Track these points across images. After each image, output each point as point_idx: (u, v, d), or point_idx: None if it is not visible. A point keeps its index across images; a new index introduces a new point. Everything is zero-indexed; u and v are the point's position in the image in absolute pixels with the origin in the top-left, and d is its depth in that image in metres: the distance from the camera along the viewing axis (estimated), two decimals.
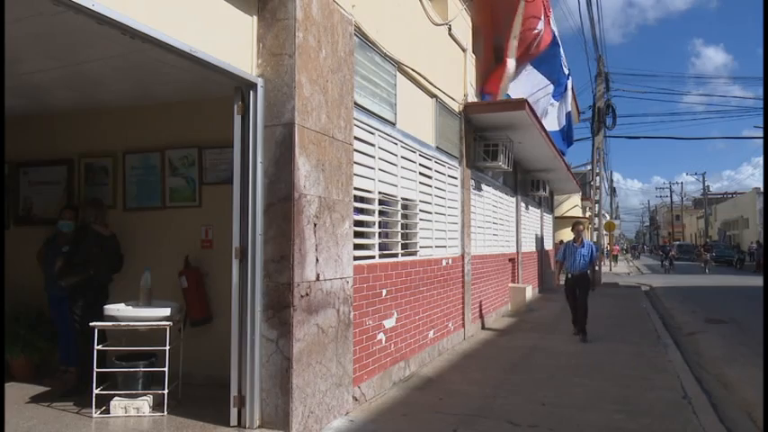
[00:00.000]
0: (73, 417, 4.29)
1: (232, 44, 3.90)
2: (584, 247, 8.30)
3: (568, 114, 12.71)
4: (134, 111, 5.61)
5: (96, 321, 4.44)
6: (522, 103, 8.22)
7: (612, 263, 33.13)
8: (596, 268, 19.94)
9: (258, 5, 4.12)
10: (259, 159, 4.02)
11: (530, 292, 11.75)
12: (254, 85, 4.03)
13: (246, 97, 4.05)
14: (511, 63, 9.07)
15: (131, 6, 3.07)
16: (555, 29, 10.76)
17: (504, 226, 11.22)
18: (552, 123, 12.12)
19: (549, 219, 18.57)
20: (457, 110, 8.03)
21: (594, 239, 21.23)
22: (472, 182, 8.71)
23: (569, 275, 8.41)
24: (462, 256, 8.03)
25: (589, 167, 22.99)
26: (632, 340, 8.14)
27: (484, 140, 8.89)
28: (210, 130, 5.21)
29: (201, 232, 5.36)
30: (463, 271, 8.04)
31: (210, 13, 3.72)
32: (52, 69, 4.54)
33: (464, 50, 8.42)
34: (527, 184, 13.97)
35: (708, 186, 60.81)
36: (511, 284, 11.61)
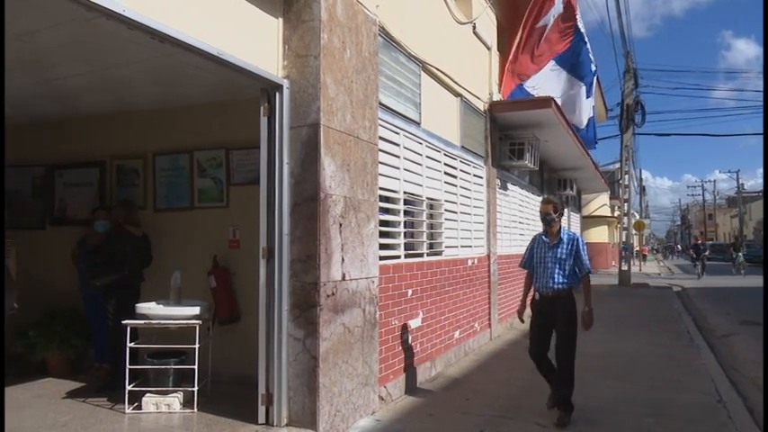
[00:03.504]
0: (107, 412, 4.40)
1: (258, 46, 3.94)
2: (561, 244, 4.49)
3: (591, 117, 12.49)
4: (163, 113, 5.72)
5: (128, 319, 4.55)
6: (548, 101, 8.12)
7: (642, 262, 32.50)
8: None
9: (283, 8, 4.16)
10: (285, 160, 4.06)
11: None
12: (279, 87, 4.07)
13: (272, 98, 4.09)
14: (521, 57, 8.97)
15: (160, 11, 3.13)
16: (581, 25, 10.60)
17: (530, 225, 11.09)
18: (581, 122, 11.93)
19: (576, 218, 18.32)
20: (482, 109, 7.98)
21: (623, 240, 20.79)
22: (498, 181, 8.64)
23: (536, 296, 4.63)
24: (488, 255, 7.97)
25: (617, 166, 22.56)
26: (663, 342, 7.96)
27: (510, 139, 8.80)
28: (237, 132, 5.29)
29: (229, 232, 5.43)
30: (489, 271, 7.97)
31: (237, 16, 3.77)
32: (85, 74, 4.66)
33: (489, 49, 8.36)
34: (554, 182, 13.79)
35: (742, 184, 59.04)
36: None
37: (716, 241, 55.92)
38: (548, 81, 10.02)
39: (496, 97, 8.47)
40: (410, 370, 5.39)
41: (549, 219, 4.52)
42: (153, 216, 5.75)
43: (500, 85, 8.84)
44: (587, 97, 11.69)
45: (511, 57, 8.97)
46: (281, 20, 4.15)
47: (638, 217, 31.91)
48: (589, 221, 27.07)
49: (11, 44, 3.76)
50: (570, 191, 14.22)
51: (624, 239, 20.77)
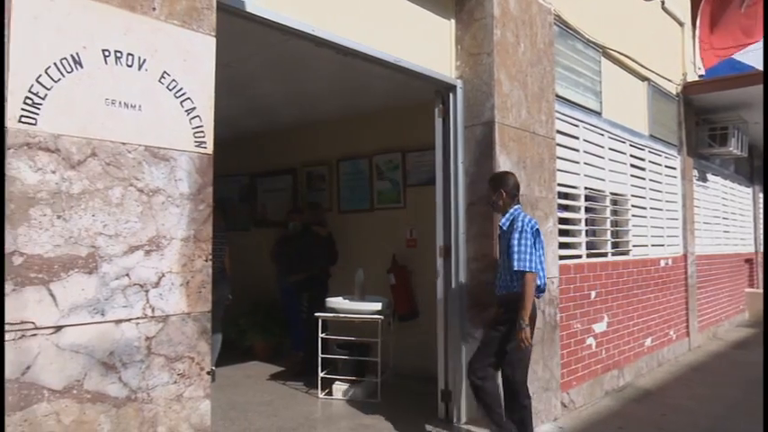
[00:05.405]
0: (303, 395, 4.87)
1: (432, 50, 4.03)
2: (503, 233, 3.43)
3: None
4: (344, 121, 6.15)
5: (319, 312, 4.96)
6: (758, 76, 6.98)
7: None
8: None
9: (455, 9, 4.19)
10: (460, 159, 4.09)
11: None
12: (453, 87, 4.11)
13: (446, 100, 4.14)
14: (723, 26, 7.78)
15: (343, 27, 3.37)
16: None
17: (737, 221, 9.67)
18: None
19: None
20: (674, 92, 7.16)
21: None
22: (695, 172, 7.68)
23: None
24: (684, 255, 7.12)
25: None
26: None
27: (709, 124, 7.76)
28: (412, 134, 5.47)
29: (406, 232, 5.64)
30: (686, 273, 7.12)
31: (411, 23, 3.90)
32: (280, 91, 5.22)
33: (681, 25, 7.47)
34: None
35: None
36: (748, 289, 9.95)
37: None
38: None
39: (691, 78, 7.53)
40: (595, 377, 5.04)
41: (492, 203, 3.51)
42: (338, 217, 6.22)
43: (702, 62, 7.82)
44: None
45: (706, 28, 7.88)
46: (453, 21, 4.19)
47: None
48: None
49: (222, 71, 4.36)
50: None
51: None
